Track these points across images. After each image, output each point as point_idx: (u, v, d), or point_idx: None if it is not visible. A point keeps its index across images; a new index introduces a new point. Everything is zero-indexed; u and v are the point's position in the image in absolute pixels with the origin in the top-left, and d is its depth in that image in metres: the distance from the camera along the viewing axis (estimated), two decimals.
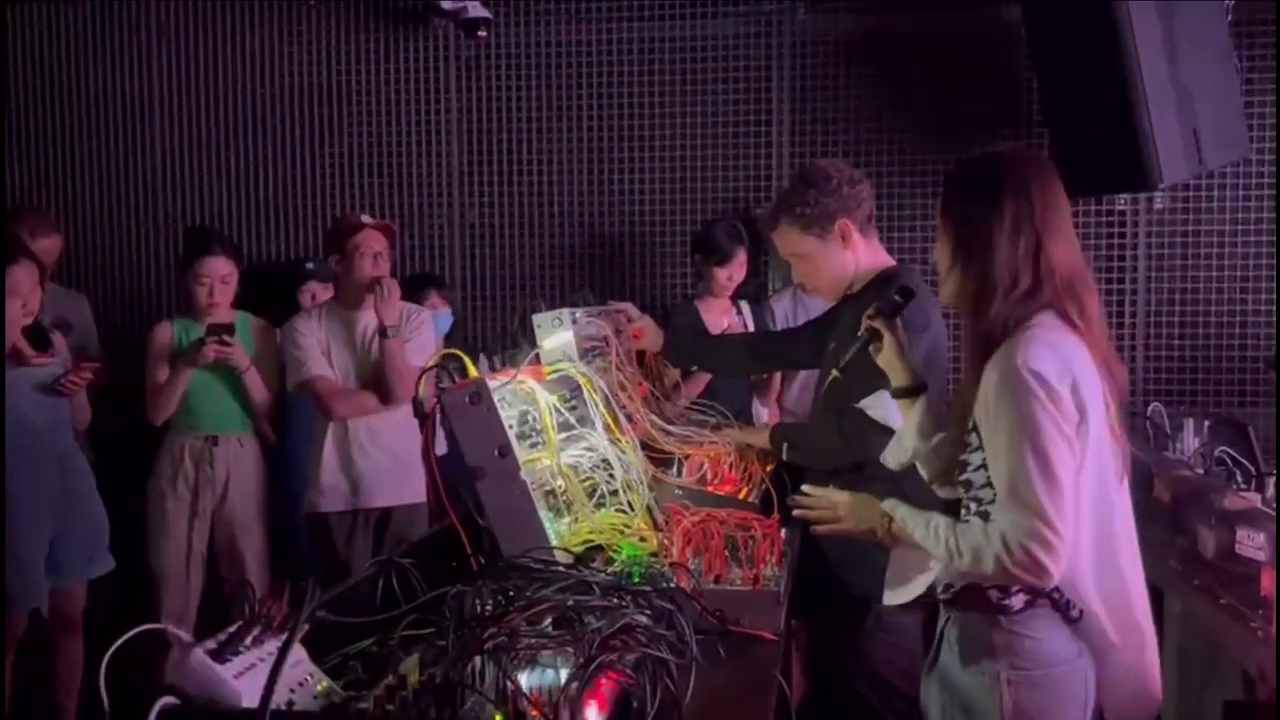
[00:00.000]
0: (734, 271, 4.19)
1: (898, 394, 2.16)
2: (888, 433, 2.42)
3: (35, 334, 3.48)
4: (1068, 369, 1.80)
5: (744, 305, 4.36)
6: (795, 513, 2.11)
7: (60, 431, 3.56)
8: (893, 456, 2.20)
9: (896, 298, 2.19)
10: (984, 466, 1.88)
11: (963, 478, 1.94)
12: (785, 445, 2.79)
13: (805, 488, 2.15)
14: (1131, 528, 1.94)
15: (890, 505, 1.99)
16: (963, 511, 1.97)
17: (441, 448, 2.96)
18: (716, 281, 4.19)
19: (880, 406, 2.46)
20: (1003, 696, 1.84)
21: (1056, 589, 1.82)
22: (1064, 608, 1.84)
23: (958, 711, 1.93)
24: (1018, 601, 1.85)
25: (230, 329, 3.77)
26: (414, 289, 4.30)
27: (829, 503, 2.11)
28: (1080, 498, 1.80)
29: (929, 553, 1.94)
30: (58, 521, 3.49)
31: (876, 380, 2.23)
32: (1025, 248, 1.86)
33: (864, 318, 2.19)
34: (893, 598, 2.10)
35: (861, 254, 2.71)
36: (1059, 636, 1.85)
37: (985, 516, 1.88)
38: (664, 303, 4.71)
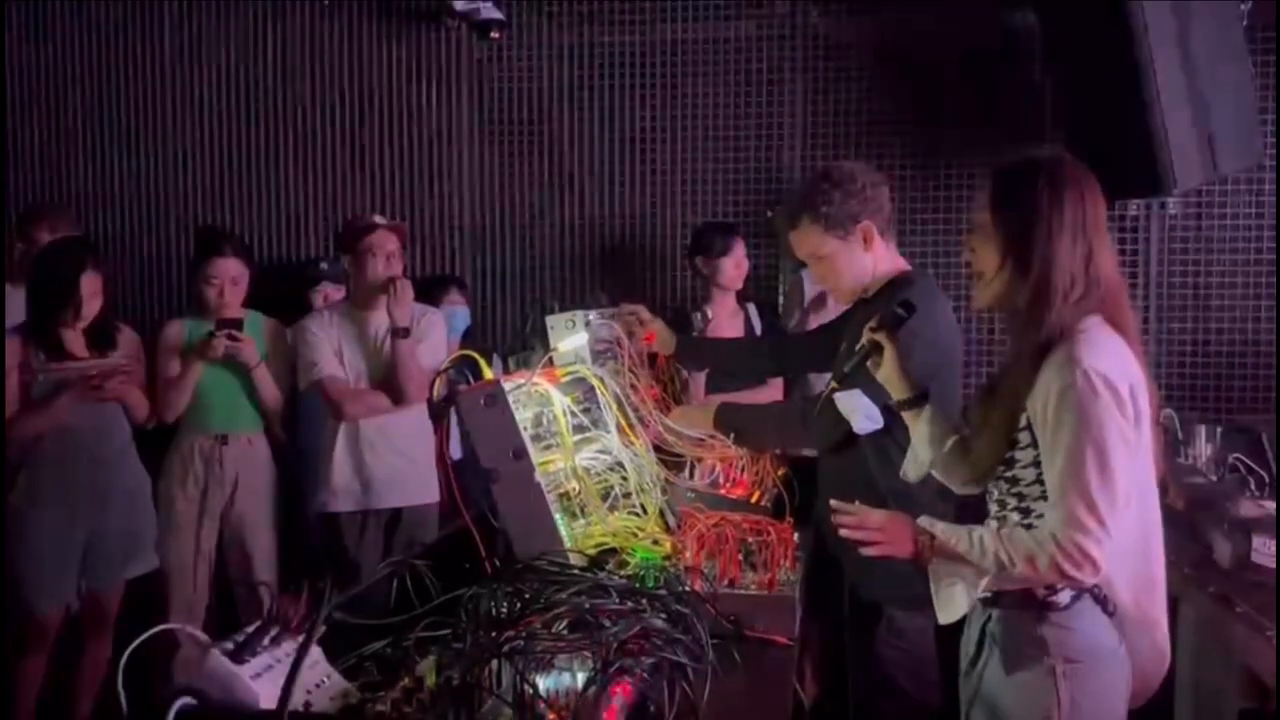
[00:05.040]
0: (739, 260, 4.20)
1: (902, 406, 2.17)
2: (845, 427, 2.49)
3: (97, 336, 3.56)
4: (1126, 371, 1.86)
5: (751, 308, 4.37)
6: (842, 532, 2.08)
7: (104, 434, 3.58)
8: (912, 471, 2.21)
9: (899, 311, 2.19)
10: (1034, 464, 1.92)
11: (1008, 474, 1.97)
12: (732, 431, 2.77)
13: (834, 503, 2.09)
14: (1160, 527, 2.00)
15: (926, 522, 1.99)
16: (995, 509, 2.01)
17: (457, 452, 2.96)
18: (724, 274, 4.18)
19: (848, 401, 2.47)
20: (1058, 690, 1.89)
21: (1096, 584, 1.89)
22: (1102, 601, 1.92)
23: (1004, 709, 1.96)
24: (1064, 597, 1.91)
25: (239, 324, 3.76)
26: (433, 287, 4.29)
27: (868, 524, 2.05)
28: (1129, 496, 1.86)
29: (967, 565, 1.95)
30: (94, 522, 3.54)
31: (875, 394, 2.23)
32: (1080, 254, 1.90)
33: (865, 329, 2.20)
34: (946, 616, 2.08)
35: (880, 257, 2.71)
36: (1103, 628, 1.92)
37: (1027, 513, 1.94)
38: (680, 304, 4.69)
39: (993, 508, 2.00)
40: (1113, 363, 1.84)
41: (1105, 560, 1.81)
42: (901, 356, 2.16)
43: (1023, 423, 1.92)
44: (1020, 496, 1.95)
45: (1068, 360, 1.84)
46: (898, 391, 2.16)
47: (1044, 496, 1.90)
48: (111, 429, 3.62)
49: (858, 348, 2.20)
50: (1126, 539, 1.87)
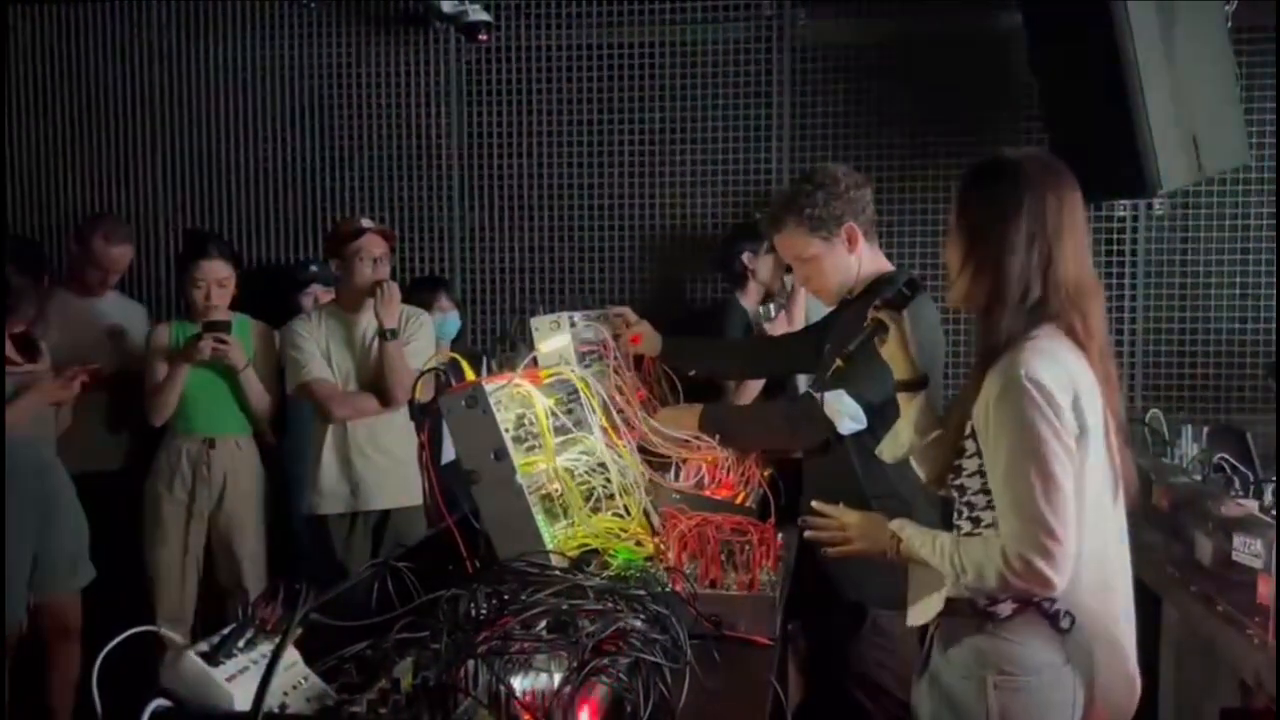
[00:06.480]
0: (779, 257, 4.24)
1: (899, 387, 2.15)
2: (829, 427, 2.50)
3: (24, 342, 3.50)
4: (1070, 382, 1.81)
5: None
6: (807, 535, 2.10)
7: (41, 443, 3.56)
8: (888, 450, 2.20)
9: (904, 290, 2.19)
10: (979, 473, 1.89)
11: (956, 482, 1.95)
12: (717, 432, 2.79)
13: (815, 505, 2.13)
14: (1125, 545, 1.95)
15: (898, 525, 1.99)
16: (955, 516, 1.99)
17: (449, 454, 2.96)
18: (770, 269, 4.18)
19: (834, 403, 2.48)
20: (990, 702, 1.85)
21: (1046, 599, 1.83)
22: (1053, 616, 1.84)
23: (949, 716, 1.94)
24: (1005, 609, 1.86)
25: (227, 326, 3.77)
26: (422, 292, 4.29)
27: (839, 523, 2.09)
28: (1078, 510, 1.79)
29: (934, 566, 1.93)
30: (39, 533, 3.49)
31: (879, 371, 2.23)
32: (1038, 259, 1.85)
33: (870, 309, 2.18)
34: (915, 617, 2.08)
35: (865, 258, 2.72)
36: (1045, 644, 1.85)
37: (976, 522, 1.90)
38: (686, 303, 4.71)
39: (954, 516, 1.99)
40: (1055, 371, 1.79)
41: (1062, 571, 1.76)
42: (905, 335, 2.14)
43: (967, 430, 1.89)
44: (970, 505, 1.92)
45: (1007, 368, 1.80)
46: (900, 371, 2.13)
47: (990, 506, 1.87)
48: (48, 439, 3.59)
49: (865, 325, 2.18)
50: (1081, 554, 1.80)
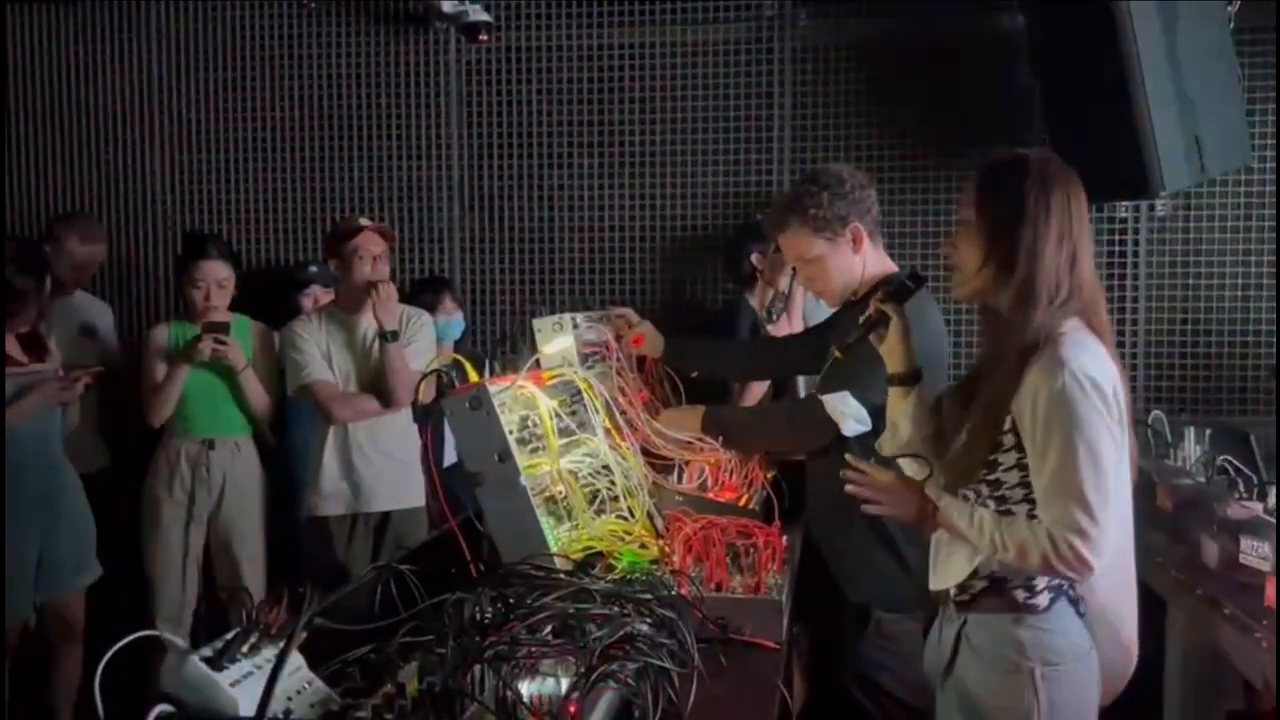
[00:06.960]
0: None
1: (894, 380, 2.15)
2: (833, 429, 2.50)
3: (31, 340, 3.51)
4: (1109, 374, 1.87)
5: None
6: (848, 488, 2.07)
7: (49, 442, 3.55)
8: (888, 445, 2.19)
9: (907, 282, 2.17)
10: (1017, 467, 1.91)
11: (991, 476, 1.96)
12: (720, 434, 2.78)
13: (849, 458, 2.10)
14: (1130, 521, 2.00)
15: (934, 493, 1.99)
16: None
17: (451, 456, 2.96)
18: (780, 266, 4.14)
19: (838, 404, 2.48)
20: (1038, 693, 1.90)
21: (1072, 585, 1.91)
22: (1075, 603, 1.94)
23: (984, 714, 1.96)
24: (1043, 600, 1.92)
25: (226, 327, 3.76)
26: (425, 293, 4.27)
27: (875, 484, 2.06)
28: (1118, 497, 1.87)
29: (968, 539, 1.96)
30: (45, 532, 3.49)
31: (877, 365, 2.20)
32: (1066, 256, 1.90)
33: (872, 300, 2.17)
34: (938, 582, 2.08)
35: (869, 259, 2.71)
36: (1077, 629, 1.94)
37: (1007, 515, 1.92)
38: (687, 303, 4.69)
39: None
40: (1097, 365, 1.85)
41: (1100, 558, 1.82)
42: (905, 328, 2.13)
43: (1006, 425, 1.90)
44: (1002, 499, 1.94)
45: (1054, 363, 1.83)
46: (896, 364, 2.13)
47: (1027, 499, 1.90)
48: (55, 437, 3.58)
49: (861, 320, 2.16)
50: (1110, 538, 1.87)
